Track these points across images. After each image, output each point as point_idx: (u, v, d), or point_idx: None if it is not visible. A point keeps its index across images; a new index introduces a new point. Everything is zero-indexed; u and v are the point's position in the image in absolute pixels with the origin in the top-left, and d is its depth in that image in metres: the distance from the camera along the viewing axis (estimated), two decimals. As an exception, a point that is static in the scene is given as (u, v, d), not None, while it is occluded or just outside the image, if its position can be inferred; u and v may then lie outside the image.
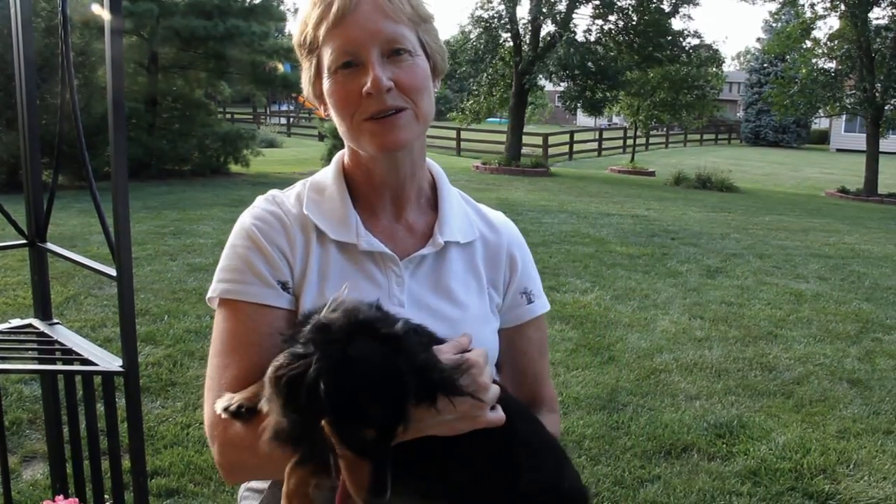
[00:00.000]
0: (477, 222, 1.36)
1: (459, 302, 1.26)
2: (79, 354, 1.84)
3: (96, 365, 1.78)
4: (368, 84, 1.11)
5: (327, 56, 1.16)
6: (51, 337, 1.95)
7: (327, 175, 1.30)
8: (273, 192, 1.30)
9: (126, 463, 1.99)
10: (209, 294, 1.22)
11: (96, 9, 1.53)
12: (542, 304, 1.40)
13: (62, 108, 1.94)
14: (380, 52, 1.13)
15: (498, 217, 1.41)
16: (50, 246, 2.04)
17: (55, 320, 2.07)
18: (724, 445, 3.92)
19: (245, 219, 1.25)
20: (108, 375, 1.77)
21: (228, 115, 30.42)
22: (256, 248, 1.20)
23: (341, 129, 1.21)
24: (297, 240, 1.22)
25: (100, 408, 1.89)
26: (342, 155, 1.32)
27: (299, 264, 1.21)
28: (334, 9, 1.13)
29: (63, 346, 1.90)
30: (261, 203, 1.27)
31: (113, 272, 1.71)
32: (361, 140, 1.19)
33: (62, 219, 8.96)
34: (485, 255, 1.33)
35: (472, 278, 1.30)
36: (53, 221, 2.07)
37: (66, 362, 1.89)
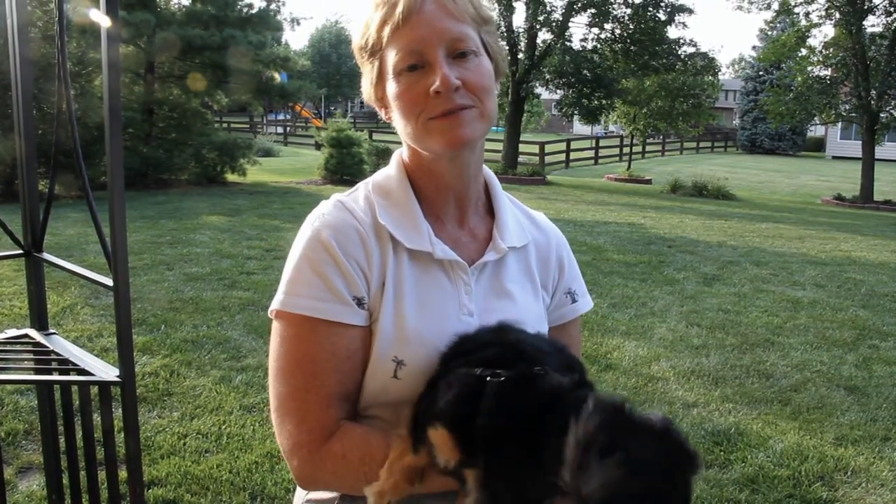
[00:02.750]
0: (527, 225, 1.36)
1: (519, 304, 1.25)
2: (75, 364, 1.84)
3: (93, 375, 1.77)
4: (437, 83, 1.10)
5: (392, 57, 1.14)
6: (47, 347, 1.95)
7: (390, 177, 1.26)
8: (339, 196, 1.25)
9: (123, 473, 1.99)
10: (275, 306, 1.15)
11: (94, 14, 1.53)
12: (585, 303, 1.41)
13: (58, 118, 1.94)
14: (446, 53, 1.12)
15: (543, 218, 1.42)
16: (46, 256, 2.03)
17: (51, 330, 2.06)
18: (722, 453, 3.91)
19: (318, 228, 1.18)
20: (104, 385, 1.76)
21: (225, 125, 30.40)
22: (333, 262, 1.15)
23: (406, 131, 1.18)
24: (373, 252, 1.18)
25: (96, 418, 1.89)
26: (401, 155, 1.28)
27: (376, 277, 1.17)
28: (399, 10, 1.11)
29: (59, 357, 1.89)
30: (332, 210, 1.21)
31: (109, 282, 1.71)
32: (428, 140, 1.16)
33: (59, 228, 8.95)
34: (537, 257, 1.34)
35: (527, 281, 1.31)
36: (50, 231, 2.07)
37: (62, 372, 1.89)
